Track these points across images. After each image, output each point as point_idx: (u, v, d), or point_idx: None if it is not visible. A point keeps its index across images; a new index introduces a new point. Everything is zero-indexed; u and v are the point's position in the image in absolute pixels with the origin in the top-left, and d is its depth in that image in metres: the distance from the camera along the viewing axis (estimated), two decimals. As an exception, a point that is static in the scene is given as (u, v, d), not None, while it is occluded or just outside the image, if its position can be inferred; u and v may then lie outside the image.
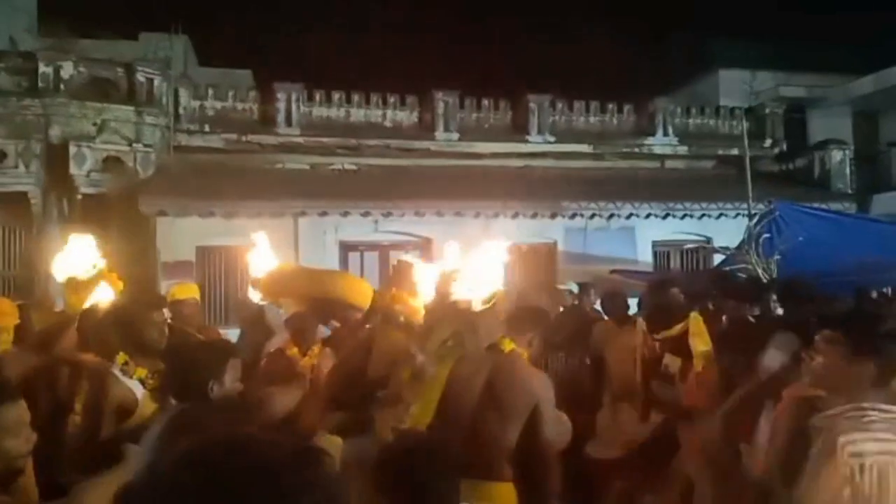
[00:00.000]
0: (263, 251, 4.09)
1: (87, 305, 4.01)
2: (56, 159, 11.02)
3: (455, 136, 13.23)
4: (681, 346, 4.17)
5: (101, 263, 4.02)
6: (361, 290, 4.26)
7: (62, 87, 11.22)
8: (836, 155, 13.98)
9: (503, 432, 2.83)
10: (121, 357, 3.15)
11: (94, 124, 11.34)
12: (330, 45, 19.63)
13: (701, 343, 4.07)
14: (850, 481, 1.69)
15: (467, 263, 2.97)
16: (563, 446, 3.80)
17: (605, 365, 5.70)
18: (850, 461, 1.69)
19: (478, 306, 2.76)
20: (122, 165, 11.44)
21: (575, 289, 7.93)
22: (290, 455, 0.98)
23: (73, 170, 11.00)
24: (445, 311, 2.81)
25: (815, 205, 11.00)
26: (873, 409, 1.75)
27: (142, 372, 3.08)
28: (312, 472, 0.98)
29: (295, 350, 3.96)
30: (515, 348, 3.00)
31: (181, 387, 2.64)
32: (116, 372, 3.10)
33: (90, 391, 3.05)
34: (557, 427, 2.95)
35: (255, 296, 4.09)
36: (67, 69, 11.27)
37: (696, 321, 4.17)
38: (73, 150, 11.02)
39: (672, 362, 4.37)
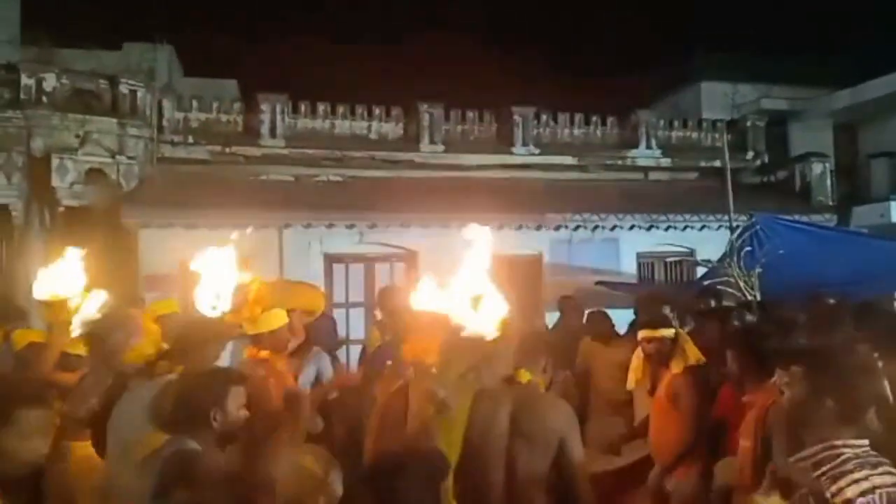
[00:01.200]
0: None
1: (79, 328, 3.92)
2: (38, 172, 10.94)
3: (440, 147, 13.27)
4: (663, 354, 4.27)
5: (81, 285, 3.97)
6: (314, 296, 4.32)
7: (44, 98, 11.14)
8: (817, 167, 14.14)
9: (534, 466, 2.78)
10: None
11: (77, 136, 11.27)
12: (315, 57, 19.65)
13: (692, 352, 4.19)
14: None
15: (463, 284, 2.86)
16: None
17: (591, 380, 5.73)
18: None
19: (488, 336, 2.67)
20: (105, 178, 11.37)
21: None
22: None
23: (55, 182, 10.92)
24: (460, 343, 2.73)
25: (796, 216, 11.14)
26: (845, 447, 1.76)
27: None
28: None
29: (265, 353, 4.04)
30: (532, 378, 2.94)
31: (183, 417, 2.60)
32: None
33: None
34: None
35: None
36: (50, 81, 11.21)
37: (684, 335, 4.37)
38: (55, 162, 10.94)
39: (636, 373, 4.47)
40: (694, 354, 4.23)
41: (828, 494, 1.64)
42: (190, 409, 2.59)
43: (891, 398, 2.29)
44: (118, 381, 3.37)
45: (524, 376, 2.92)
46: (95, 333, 3.62)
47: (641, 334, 4.40)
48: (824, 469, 1.71)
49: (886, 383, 2.24)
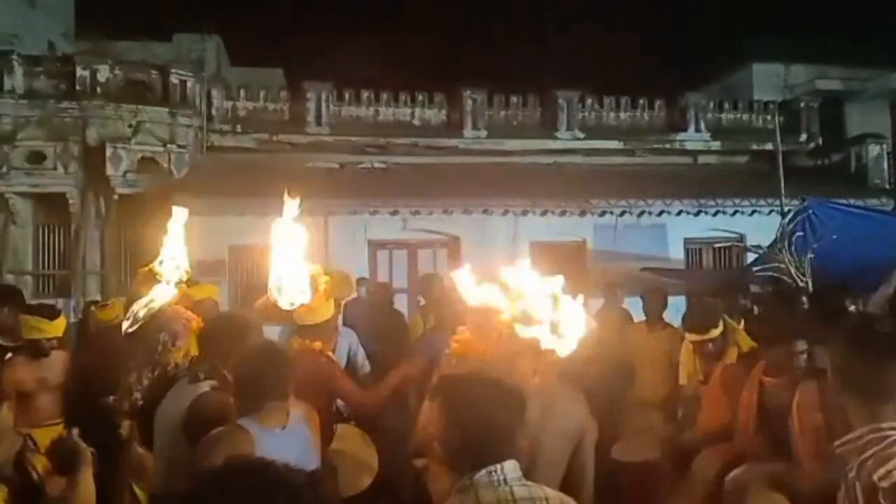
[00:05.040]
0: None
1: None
2: (93, 161, 11.31)
3: (483, 133, 13.24)
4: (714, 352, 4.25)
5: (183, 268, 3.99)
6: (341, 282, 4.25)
7: (98, 89, 11.48)
8: (874, 149, 13.68)
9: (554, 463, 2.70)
10: None
11: (130, 126, 11.59)
12: (359, 44, 19.76)
13: (743, 340, 4.17)
14: None
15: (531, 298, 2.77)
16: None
17: (634, 369, 5.66)
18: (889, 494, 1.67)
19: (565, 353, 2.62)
20: (157, 166, 11.68)
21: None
22: (306, 477, 1.07)
23: (109, 171, 11.27)
24: (526, 349, 2.67)
25: (852, 200, 10.78)
26: (891, 429, 1.73)
27: None
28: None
29: (318, 344, 4.05)
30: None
31: (261, 395, 2.58)
32: None
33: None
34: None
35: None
36: (104, 72, 11.53)
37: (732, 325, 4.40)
38: (109, 151, 11.29)
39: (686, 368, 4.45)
40: (745, 342, 4.18)
41: (875, 477, 1.61)
42: (268, 387, 2.57)
43: None
44: (162, 377, 3.41)
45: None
46: (146, 330, 3.66)
47: (690, 337, 4.39)
48: (871, 452, 1.68)
49: None
